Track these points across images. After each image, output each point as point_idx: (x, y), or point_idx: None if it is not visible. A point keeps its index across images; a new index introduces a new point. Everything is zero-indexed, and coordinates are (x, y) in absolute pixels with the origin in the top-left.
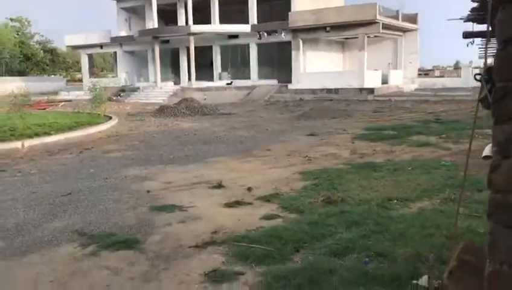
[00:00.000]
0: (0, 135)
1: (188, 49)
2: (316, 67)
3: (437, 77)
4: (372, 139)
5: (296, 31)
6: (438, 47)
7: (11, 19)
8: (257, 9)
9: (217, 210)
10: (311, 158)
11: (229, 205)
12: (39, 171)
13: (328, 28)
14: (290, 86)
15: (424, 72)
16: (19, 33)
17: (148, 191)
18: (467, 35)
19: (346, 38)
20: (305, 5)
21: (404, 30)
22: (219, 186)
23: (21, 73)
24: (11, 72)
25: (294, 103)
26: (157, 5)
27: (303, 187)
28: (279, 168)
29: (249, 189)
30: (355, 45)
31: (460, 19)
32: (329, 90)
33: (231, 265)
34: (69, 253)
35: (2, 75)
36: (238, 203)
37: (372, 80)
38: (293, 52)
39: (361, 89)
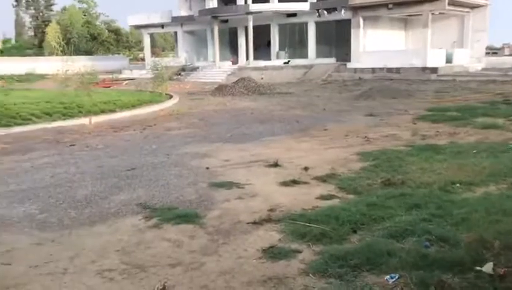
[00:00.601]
0: (70, 112)
1: (246, 28)
2: (376, 45)
3: (507, 55)
4: (434, 121)
5: (356, 9)
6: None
7: (79, 1)
8: None
9: (274, 188)
10: (370, 139)
11: (285, 184)
12: (105, 146)
13: (390, 5)
14: (349, 65)
15: (492, 51)
16: (86, 14)
17: (207, 168)
18: None
19: (409, 15)
20: None
21: (473, 6)
22: (275, 165)
23: (87, 52)
24: (79, 52)
25: (352, 82)
26: None
27: (361, 168)
28: (337, 149)
29: (306, 168)
30: (419, 23)
31: None
32: (389, 70)
33: (288, 243)
34: (133, 224)
35: (70, 55)
36: (294, 182)
37: (435, 59)
38: (353, 30)
39: (424, 68)
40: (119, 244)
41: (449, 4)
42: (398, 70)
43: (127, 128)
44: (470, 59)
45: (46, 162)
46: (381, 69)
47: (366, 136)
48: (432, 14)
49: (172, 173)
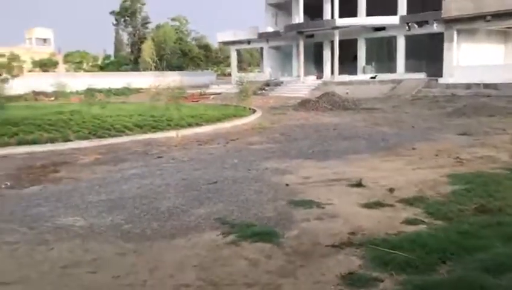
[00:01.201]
0: (159, 124)
1: (332, 43)
2: (471, 60)
3: None
4: None
5: (449, 22)
6: None
7: (172, 19)
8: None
9: (355, 210)
10: (463, 160)
11: (368, 206)
12: (190, 159)
13: (488, 17)
14: (441, 80)
15: None
16: (178, 31)
17: (287, 185)
18: None
19: (510, 27)
20: None
21: None
22: (358, 185)
23: (179, 68)
24: (171, 67)
25: (444, 98)
26: (304, 0)
27: (452, 192)
28: (425, 169)
29: (391, 190)
30: None
31: None
32: (486, 86)
33: (369, 270)
34: (211, 240)
35: (162, 70)
36: (378, 204)
37: None
38: (445, 44)
39: None
40: (197, 259)
41: None
42: (496, 86)
43: (211, 142)
44: None
45: (135, 173)
46: (477, 84)
47: (458, 157)
48: None
49: (252, 189)
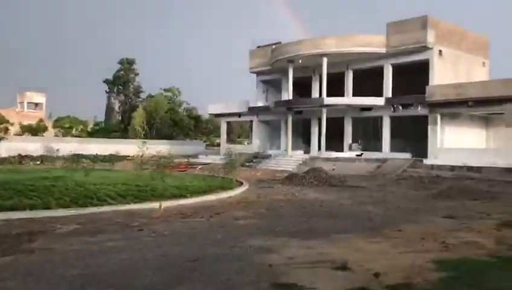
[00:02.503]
0: (143, 195)
1: (319, 119)
2: (455, 142)
3: None
4: None
5: (433, 105)
6: None
7: (165, 90)
8: (392, 82)
9: None
10: (449, 245)
11: None
12: (171, 233)
13: (470, 103)
14: (426, 161)
15: None
16: (170, 101)
17: (270, 265)
18: None
19: (490, 113)
20: (445, 78)
21: None
22: (343, 267)
23: (168, 137)
24: (160, 136)
25: (429, 179)
26: (293, 78)
27: (439, 279)
28: (411, 253)
29: (376, 275)
30: (502, 121)
31: None
32: (469, 168)
33: None
34: None
35: (152, 138)
36: None
37: None
38: (430, 127)
39: (508, 169)
40: None
41: None
42: (479, 169)
43: (195, 215)
44: None
45: (113, 246)
46: (461, 167)
47: (444, 241)
48: None
49: (234, 268)
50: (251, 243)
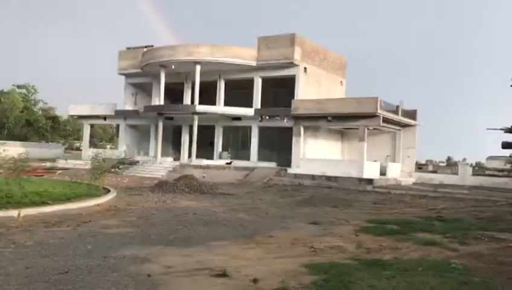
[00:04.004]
0: None
1: (190, 127)
2: (315, 153)
3: (431, 171)
4: (376, 233)
5: (298, 118)
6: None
7: (18, 86)
8: (261, 95)
9: None
10: (317, 249)
11: None
12: (35, 243)
13: (329, 118)
14: (290, 170)
15: (418, 166)
16: (24, 99)
17: (148, 275)
18: (505, 145)
19: (346, 128)
20: (308, 94)
21: (404, 125)
22: (222, 275)
23: (21, 138)
24: (12, 137)
25: (293, 187)
26: (165, 83)
27: (312, 282)
28: (285, 258)
29: (255, 280)
30: (355, 135)
31: (501, 129)
32: (328, 178)
33: None
34: None
35: (2, 139)
36: None
37: (371, 170)
38: (294, 138)
39: (360, 179)
40: None
41: (383, 121)
42: (336, 179)
43: (60, 224)
44: (401, 173)
45: None
46: (321, 176)
47: (312, 246)
48: (367, 129)
49: (109, 280)
50: (126, 252)
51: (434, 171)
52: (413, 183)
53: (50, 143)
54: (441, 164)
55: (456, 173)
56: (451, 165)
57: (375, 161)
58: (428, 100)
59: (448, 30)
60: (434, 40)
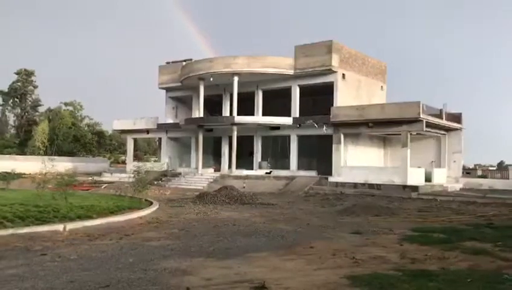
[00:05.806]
0: (44, 216)
1: (230, 138)
2: (357, 161)
3: (479, 177)
4: (421, 242)
5: (337, 125)
6: (481, 146)
7: (65, 103)
8: (300, 103)
9: None
10: (358, 260)
11: None
12: (79, 257)
13: (370, 124)
14: (330, 179)
15: (466, 171)
16: (71, 116)
17: (188, 289)
18: None
19: (388, 134)
20: (347, 100)
21: (448, 129)
22: (262, 287)
23: (70, 153)
24: (61, 152)
25: (334, 196)
26: (204, 96)
27: None
28: (325, 270)
29: None
30: (398, 141)
31: None
32: (371, 186)
33: None
34: None
35: (52, 155)
36: None
37: (415, 177)
38: (334, 146)
39: (404, 186)
40: None
41: (426, 126)
42: (379, 186)
43: (103, 237)
44: (447, 179)
45: (14, 274)
46: (363, 184)
47: (354, 257)
48: (410, 134)
49: None
50: (166, 265)
51: (483, 176)
52: (461, 189)
53: (96, 157)
54: (490, 168)
55: (507, 178)
56: (501, 169)
57: (419, 166)
58: (478, 103)
59: (494, 30)
60: (481, 40)
